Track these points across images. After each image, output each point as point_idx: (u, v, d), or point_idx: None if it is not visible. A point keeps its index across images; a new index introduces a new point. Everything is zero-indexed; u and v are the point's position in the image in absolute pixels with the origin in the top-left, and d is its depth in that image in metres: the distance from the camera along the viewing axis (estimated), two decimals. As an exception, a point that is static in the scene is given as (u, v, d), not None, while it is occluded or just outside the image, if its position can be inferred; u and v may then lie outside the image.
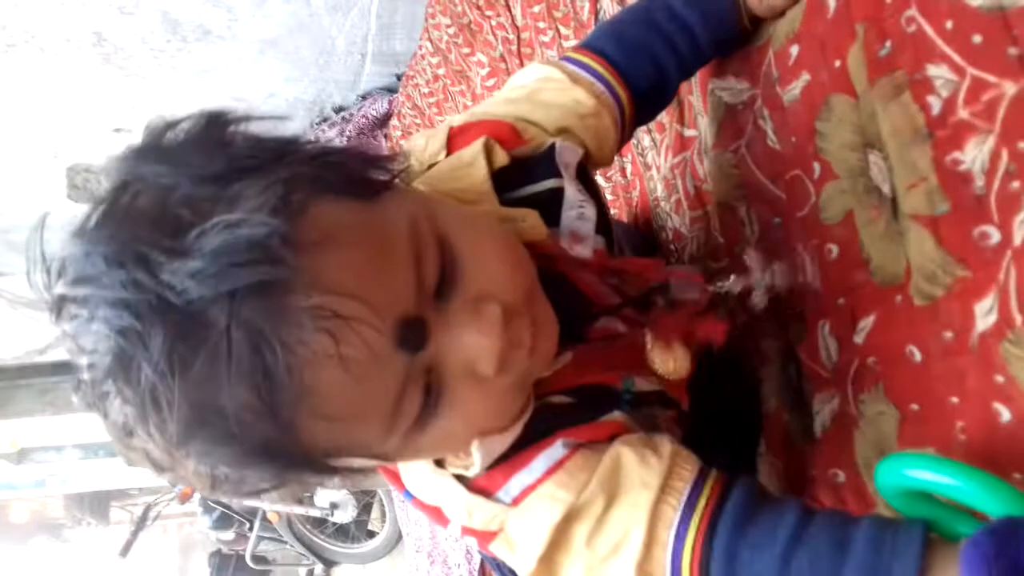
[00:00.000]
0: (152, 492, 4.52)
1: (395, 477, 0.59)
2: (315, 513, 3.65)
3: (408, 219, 0.46)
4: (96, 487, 4.99)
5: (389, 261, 0.44)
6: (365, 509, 3.76)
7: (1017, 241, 0.43)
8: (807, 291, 0.64)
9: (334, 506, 3.65)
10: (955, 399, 0.49)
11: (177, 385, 0.38)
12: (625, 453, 0.52)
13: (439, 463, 0.55)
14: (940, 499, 0.44)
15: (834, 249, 0.61)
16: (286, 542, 3.80)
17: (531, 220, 0.57)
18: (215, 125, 0.43)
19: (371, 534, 3.80)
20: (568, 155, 0.61)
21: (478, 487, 0.53)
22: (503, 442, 0.53)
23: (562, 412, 0.55)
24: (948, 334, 0.49)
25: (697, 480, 0.51)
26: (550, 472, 0.52)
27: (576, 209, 0.60)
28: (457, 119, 0.63)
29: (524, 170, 0.59)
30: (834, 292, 0.61)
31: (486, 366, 0.46)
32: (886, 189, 0.55)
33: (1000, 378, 0.46)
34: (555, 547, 0.52)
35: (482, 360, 0.46)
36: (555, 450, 0.52)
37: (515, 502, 0.53)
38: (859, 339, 0.58)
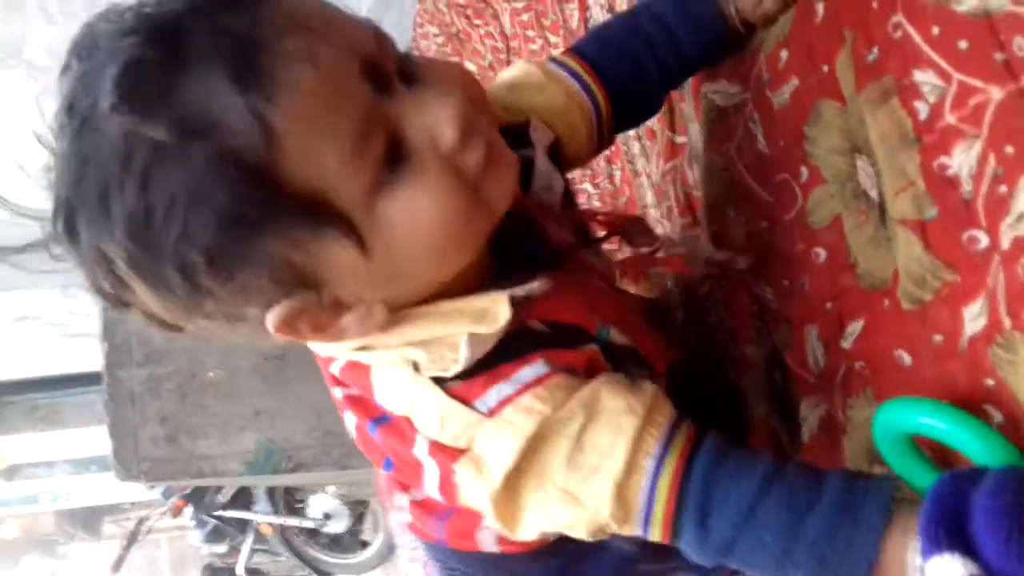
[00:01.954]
0: (144, 506, 4.49)
1: (364, 405, 0.58)
2: (308, 524, 3.64)
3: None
4: (88, 502, 4.96)
5: (355, 24, 0.49)
6: (358, 519, 3.75)
7: (1005, 245, 0.44)
8: (795, 296, 0.65)
9: (327, 516, 3.64)
10: (946, 402, 0.49)
11: (167, 76, 0.43)
12: (609, 382, 0.54)
13: (416, 368, 0.54)
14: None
15: (822, 253, 0.61)
16: (280, 554, 3.78)
17: None
18: None
19: (364, 544, 3.79)
20: (540, 134, 0.63)
21: (456, 394, 0.53)
22: (486, 343, 0.53)
23: (540, 337, 0.55)
24: (937, 338, 0.50)
25: (676, 418, 0.53)
26: (530, 386, 0.52)
27: (545, 179, 0.62)
28: None
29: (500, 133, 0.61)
30: (822, 296, 0.61)
31: (448, 129, 0.48)
32: (873, 194, 0.55)
33: (990, 381, 0.46)
34: (524, 470, 0.52)
35: (444, 122, 0.48)
36: (536, 367, 0.53)
37: (491, 413, 0.52)
38: (847, 344, 0.58)
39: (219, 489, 3.53)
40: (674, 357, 0.68)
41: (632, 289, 0.64)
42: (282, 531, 3.67)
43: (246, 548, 3.77)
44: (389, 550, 3.55)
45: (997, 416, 0.46)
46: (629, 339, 0.60)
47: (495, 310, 0.53)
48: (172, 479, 2.46)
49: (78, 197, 0.45)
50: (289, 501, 3.65)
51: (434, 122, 0.48)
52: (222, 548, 3.98)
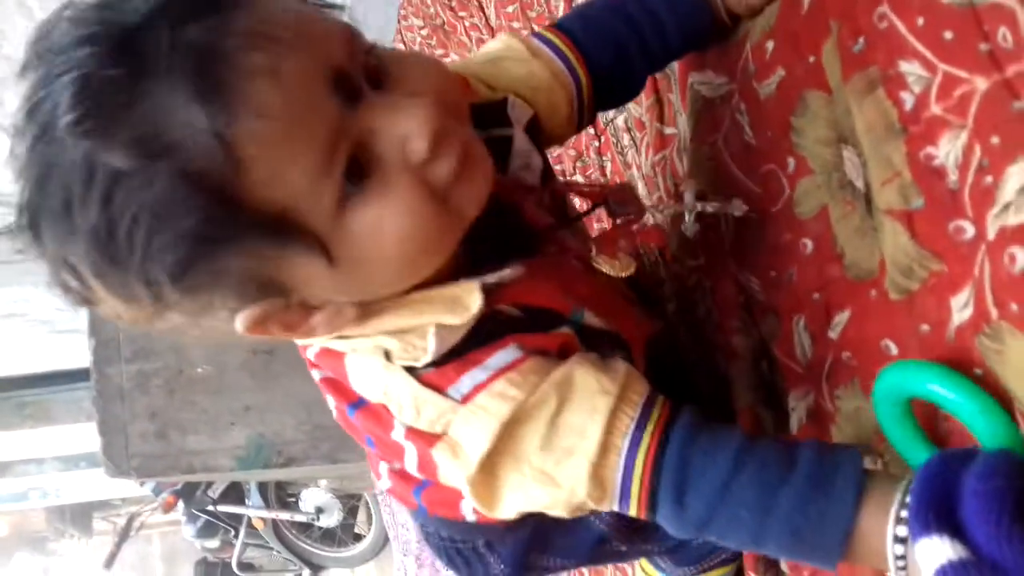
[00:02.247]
0: (135, 503, 4.49)
1: (340, 389, 0.59)
2: (301, 518, 3.63)
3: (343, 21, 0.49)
4: (78, 499, 4.95)
5: (324, 25, 0.47)
6: (351, 513, 3.75)
7: (991, 235, 0.44)
8: (782, 286, 0.65)
9: (319, 510, 3.64)
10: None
11: (126, 93, 0.41)
12: (581, 363, 0.54)
13: (388, 357, 0.54)
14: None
15: (808, 244, 0.61)
16: (272, 548, 3.78)
17: None
18: None
19: (357, 537, 3.79)
20: (519, 111, 0.63)
21: (429, 382, 0.53)
22: (456, 333, 0.53)
23: (512, 321, 0.55)
24: (925, 327, 0.50)
25: (650, 396, 0.54)
26: (503, 371, 0.52)
27: (523, 158, 0.61)
28: None
29: (475, 115, 0.59)
30: (809, 287, 0.61)
31: (419, 140, 0.46)
32: (860, 184, 0.55)
33: (978, 371, 0.46)
34: (500, 453, 0.53)
35: (415, 133, 0.46)
36: (509, 352, 0.53)
37: (465, 399, 0.53)
38: (834, 334, 0.59)
39: (210, 484, 3.52)
40: (652, 332, 0.68)
41: (606, 268, 0.62)
42: (274, 525, 3.67)
43: (239, 543, 3.77)
44: (382, 543, 3.55)
45: (985, 406, 0.46)
46: (605, 320, 0.60)
47: (466, 299, 0.52)
48: (162, 475, 2.45)
49: (41, 204, 0.44)
50: (281, 495, 3.65)
51: (404, 134, 0.47)
52: (214, 543, 3.98)
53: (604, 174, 1.05)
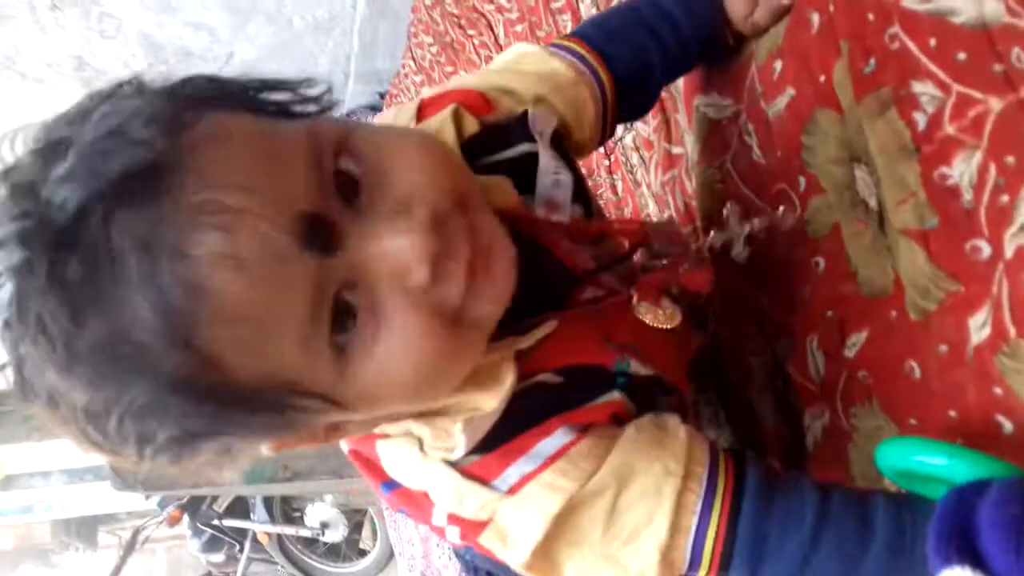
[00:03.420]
0: (140, 516, 4.48)
1: (372, 467, 0.56)
2: (306, 533, 3.62)
3: (306, 127, 0.42)
4: (83, 512, 4.95)
5: (281, 156, 0.40)
6: (356, 528, 3.74)
7: (1008, 254, 0.44)
8: (795, 305, 0.65)
9: (324, 525, 3.63)
10: (953, 412, 0.49)
11: (68, 313, 0.35)
12: (638, 440, 0.51)
13: (421, 446, 0.51)
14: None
15: (821, 262, 0.61)
16: (277, 563, 3.76)
17: (503, 187, 0.54)
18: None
19: (362, 553, 3.77)
20: (542, 122, 0.58)
21: (472, 474, 0.50)
22: (487, 421, 0.49)
23: (554, 392, 0.52)
24: (943, 348, 0.50)
25: (712, 462, 0.51)
26: (552, 460, 0.49)
27: (551, 176, 0.57)
28: (430, 92, 0.61)
29: (496, 136, 0.57)
30: (822, 305, 0.61)
31: (416, 269, 0.41)
32: (872, 202, 0.55)
33: (998, 390, 0.46)
34: (557, 537, 0.50)
35: (411, 263, 0.41)
36: (557, 437, 0.50)
37: (512, 490, 0.50)
38: (850, 353, 0.58)
39: (215, 498, 3.52)
40: (691, 355, 0.66)
41: (649, 319, 0.56)
42: (279, 540, 3.66)
43: (243, 557, 3.76)
44: (387, 559, 3.54)
45: (1008, 425, 0.46)
46: (651, 365, 0.56)
47: (499, 371, 0.49)
48: (168, 489, 2.45)
49: (26, 386, 0.40)
50: (286, 510, 3.64)
51: (397, 265, 0.41)
52: (219, 557, 3.96)
53: (615, 192, 1.05)
